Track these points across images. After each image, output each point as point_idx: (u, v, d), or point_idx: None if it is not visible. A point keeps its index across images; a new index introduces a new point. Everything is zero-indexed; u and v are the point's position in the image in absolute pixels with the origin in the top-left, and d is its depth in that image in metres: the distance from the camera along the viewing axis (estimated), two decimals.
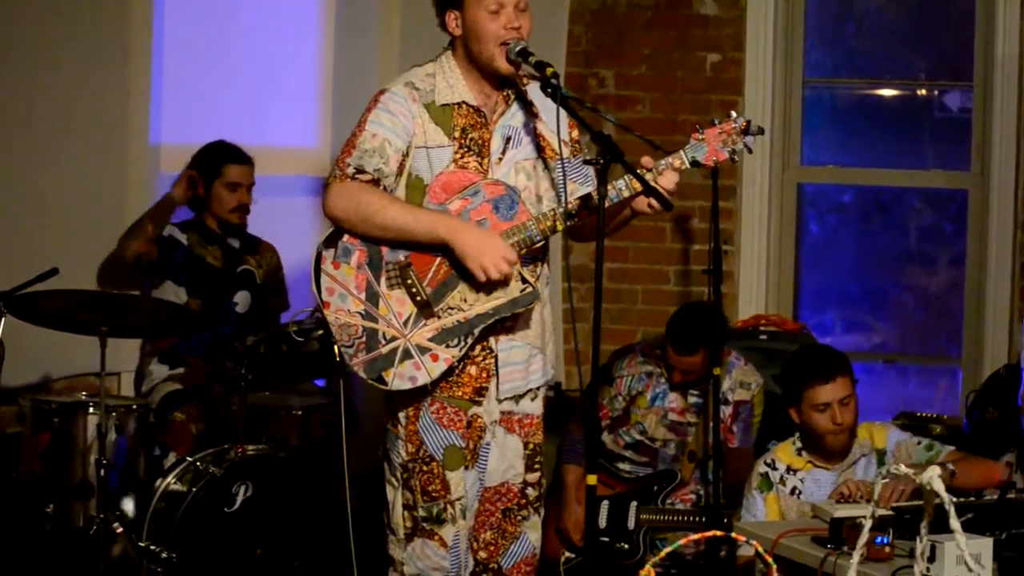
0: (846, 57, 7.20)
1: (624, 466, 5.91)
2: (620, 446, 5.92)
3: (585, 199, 4.19)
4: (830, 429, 4.93)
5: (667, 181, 4.14)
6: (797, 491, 5.01)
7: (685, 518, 5.70)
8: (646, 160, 4.15)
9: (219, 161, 5.96)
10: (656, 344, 5.95)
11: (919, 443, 4.98)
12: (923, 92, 7.16)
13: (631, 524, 5.79)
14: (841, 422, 4.93)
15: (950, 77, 7.07)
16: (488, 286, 4.15)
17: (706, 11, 6.94)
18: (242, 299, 6.05)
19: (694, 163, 4.20)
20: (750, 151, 4.26)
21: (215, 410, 5.66)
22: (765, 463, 5.09)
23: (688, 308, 5.94)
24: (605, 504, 5.81)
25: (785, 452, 5.09)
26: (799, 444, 5.07)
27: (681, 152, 4.19)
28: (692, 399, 5.87)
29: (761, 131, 4.25)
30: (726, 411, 5.77)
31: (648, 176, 4.13)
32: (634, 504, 5.80)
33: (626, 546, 5.76)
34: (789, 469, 5.05)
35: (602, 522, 5.80)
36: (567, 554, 5.76)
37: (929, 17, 7.09)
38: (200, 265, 5.95)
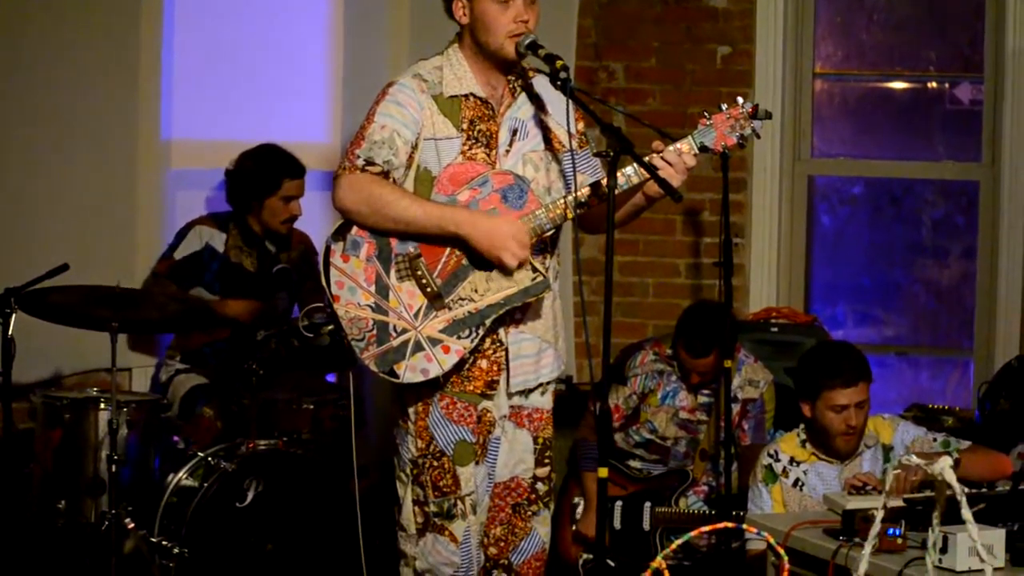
0: (857, 49, 7.17)
1: (635, 463, 5.90)
2: (630, 445, 5.90)
3: (594, 187, 4.17)
4: (842, 431, 4.93)
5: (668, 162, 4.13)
6: (800, 483, 5.00)
7: (700, 515, 5.69)
8: (657, 144, 4.14)
9: (278, 175, 5.84)
10: (666, 342, 5.92)
11: (935, 440, 4.97)
12: (934, 84, 7.14)
13: (646, 525, 5.77)
14: (855, 425, 4.93)
15: (961, 68, 7.04)
16: (500, 276, 4.15)
17: (716, 3, 6.92)
18: (283, 300, 6.01)
19: (703, 148, 4.18)
20: (758, 136, 4.25)
21: (230, 404, 5.65)
22: (768, 454, 5.08)
23: (697, 309, 5.88)
24: (619, 505, 5.80)
25: (788, 444, 5.08)
26: (803, 436, 5.06)
27: (689, 137, 4.17)
28: (702, 398, 5.85)
29: (769, 115, 4.24)
30: (735, 409, 5.74)
31: (656, 157, 4.11)
32: (648, 505, 5.78)
33: (642, 547, 5.75)
34: (792, 461, 5.04)
35: (617, 523, 5.79)
36: (585, 555, 5.75)
37: (940, 8, 7.06)
38: (235, 272, 5.87)
